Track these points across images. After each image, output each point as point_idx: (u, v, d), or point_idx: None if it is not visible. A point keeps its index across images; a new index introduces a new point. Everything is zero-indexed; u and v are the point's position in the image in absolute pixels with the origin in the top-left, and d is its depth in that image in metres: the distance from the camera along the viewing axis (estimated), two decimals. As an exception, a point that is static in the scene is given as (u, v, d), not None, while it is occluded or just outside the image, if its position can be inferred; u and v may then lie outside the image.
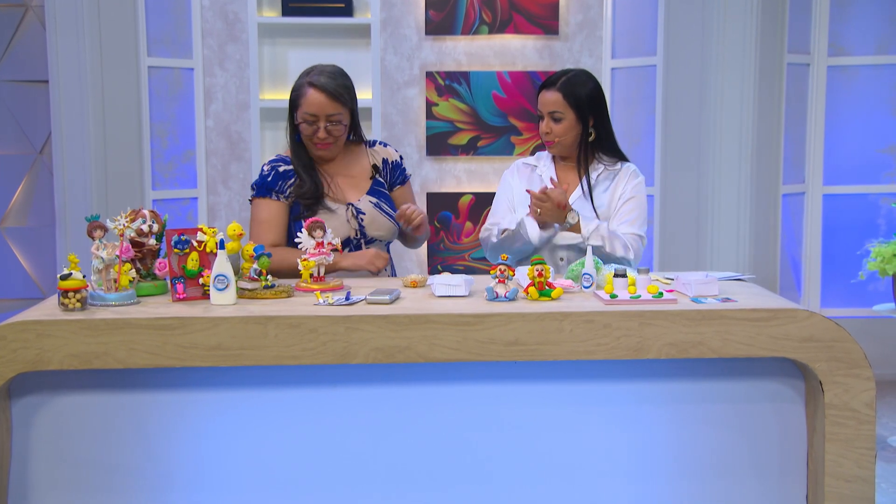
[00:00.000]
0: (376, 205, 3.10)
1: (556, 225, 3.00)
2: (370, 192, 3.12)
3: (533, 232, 2.99)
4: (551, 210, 2.94)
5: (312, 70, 3.05)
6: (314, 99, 2.98)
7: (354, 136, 3.16)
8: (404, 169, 3.22)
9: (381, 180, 3.16)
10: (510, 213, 3.15)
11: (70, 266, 2.41)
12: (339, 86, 3.02)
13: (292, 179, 3.05)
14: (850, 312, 5.15)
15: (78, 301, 2.37)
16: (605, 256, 2.94)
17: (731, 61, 4.69)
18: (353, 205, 3.06)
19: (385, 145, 3.23)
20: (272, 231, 3.02)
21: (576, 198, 3.08)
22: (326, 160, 3.10)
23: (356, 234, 3.06)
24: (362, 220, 3.05)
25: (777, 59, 4.82)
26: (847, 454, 2.35)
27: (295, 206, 3.05)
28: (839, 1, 5.11)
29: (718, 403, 2.47)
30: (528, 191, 3.00)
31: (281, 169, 3.07)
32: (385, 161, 3.18)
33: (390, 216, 3.10)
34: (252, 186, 3.08)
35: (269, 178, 3.05)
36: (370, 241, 3.09)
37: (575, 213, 2.97)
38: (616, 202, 3.06)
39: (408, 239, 3.23)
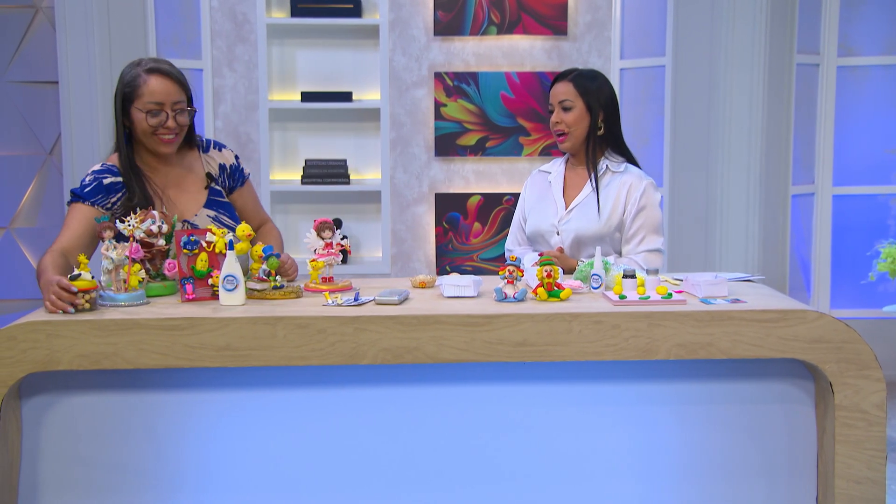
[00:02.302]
0: (215, 218, 2.87)
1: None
2: (207, 205, 2.87)
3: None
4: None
5: (141, 61, 2.80)
6: (158, 86, 2.73)
7: (187, 138, 2.87)
8: (242, 169, 2.98)
9: (218, 188, 2.92)
10: (521, 230, 3.23)
11: (80, 266, 2.41)
12: (179, 72, 2.81)
13: (119, 194, 2.76)
14: (859, 314, 5.14)
15: (87, 301, 2.38)
16: None
17: (740, 62, 4.68)
18: (188, 222, 2.82)
19: (220, 147, 2.97)
20: (69, 233, 2.68)
21: (583, 199, 3.07)
22: (165, 161, 2.83)
23: None
24: None
25: (786, 60, 4.80)
26: (857, 456, 2.34)
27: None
28: (849, 1, 5.09)
29: (728, 404, 2.46)
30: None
31: (106, 181, 2.76)
32: (222, 167, 2.93)
33: (232, 228, 2.82)
34: (71, 192, 2.77)
35: (88, 190, 2.74)
36: None
37: (582, 264, 2.86)
38: (623, 214, 3.05)
39: None
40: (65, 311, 2.35)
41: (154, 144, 2.78)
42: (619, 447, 2.48)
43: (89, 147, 4.66)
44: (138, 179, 2.77)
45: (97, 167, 2.80)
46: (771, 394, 2.45)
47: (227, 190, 2.95)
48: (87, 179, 2.77)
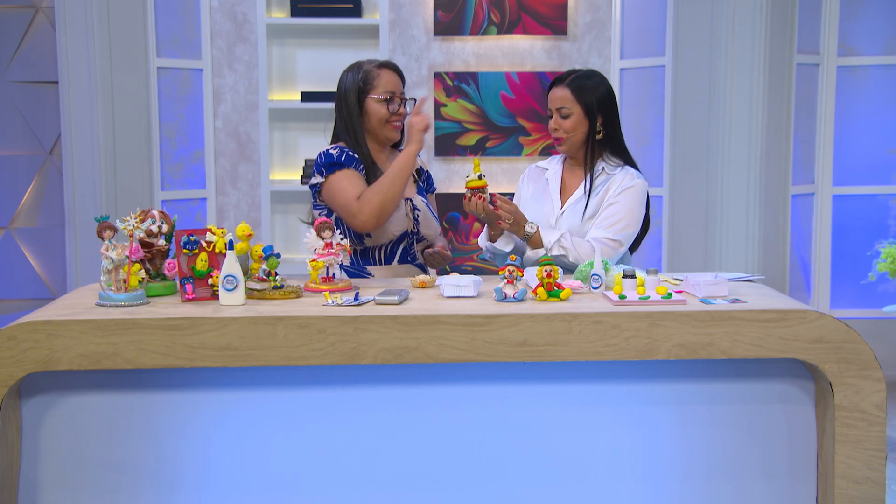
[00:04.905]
0: (427, 204, 3.18)
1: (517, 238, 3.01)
2: (419, 193, 3.18)
3: (483, 244, 3.12)
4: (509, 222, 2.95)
5: (362, 62, 3.09)
6: (391, 78, 3.05)
7: None
8: (432, 181, 3.31)
9: (421, 185, 3.22)
10: None
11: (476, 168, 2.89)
12: (400, 69, 3.14)
13: (362, 165, 3.01)
14: (859, 314, 5.14)
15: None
16: (568, 266, 2.88)
17: (740, 61, 4.68)
18: (410, 200, 3.11)
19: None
20: (360, 184, 2.95)
21: (576, 199, 3.06)
22: (381, 151, 3.10)
23: (413, 229, 3.11)
24: (418, 216, 3.12)
25: (786, 60, 4.80)
26: (857, 456, 2.34)
27: None
28: (849, 1, 5.09)
29: (728, 404, 2.46)
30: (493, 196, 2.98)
31: (350, 153, 3.01)
32: (420, 169, 3.25)
33: (436, 218, 3.20)
34: (321, 167, 2.99)
35: (343, 158, 2.98)
36: (420, 240, 3.15)
37: (532, 224, 2.95)
38: (603, 206, 3.02)
39: (426, 260, 3.25)
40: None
41: (386, 132, 3.07)
42: (620, 447, 2.48)
43: (89, 147, 4.66)
44: (371, 160, 3.04)
45: (329, 148, 3.02)
46: (771, 394, 2.45)
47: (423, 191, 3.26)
48: (335, 152, 2.99)
